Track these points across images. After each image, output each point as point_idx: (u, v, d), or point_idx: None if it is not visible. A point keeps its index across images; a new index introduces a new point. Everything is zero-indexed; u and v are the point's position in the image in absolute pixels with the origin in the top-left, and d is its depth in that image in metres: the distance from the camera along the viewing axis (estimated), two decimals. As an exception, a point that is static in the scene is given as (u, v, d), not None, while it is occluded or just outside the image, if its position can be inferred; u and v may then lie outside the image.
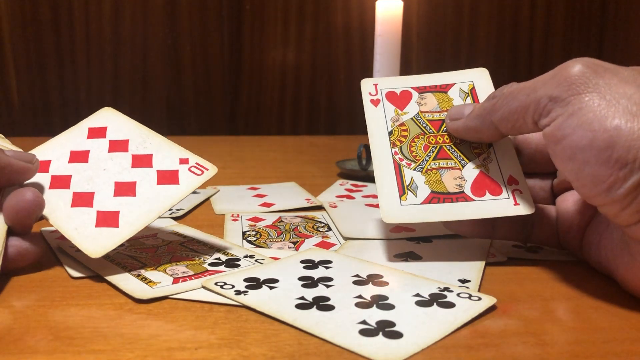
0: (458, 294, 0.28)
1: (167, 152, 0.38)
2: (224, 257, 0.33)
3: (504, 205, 0.34)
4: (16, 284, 0.30)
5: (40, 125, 0.99)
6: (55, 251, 0.35)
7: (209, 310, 0.27)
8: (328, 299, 0.27)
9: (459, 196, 0.34)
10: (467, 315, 0.26)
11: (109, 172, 0.36)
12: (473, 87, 0.39)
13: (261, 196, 0.50)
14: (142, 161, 0.37)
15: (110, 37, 1.02)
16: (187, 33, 1.03)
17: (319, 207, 0.46)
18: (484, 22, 1.09)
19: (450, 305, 0.27)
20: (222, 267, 0.32)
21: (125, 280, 0.30)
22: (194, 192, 0.51)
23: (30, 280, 0.31)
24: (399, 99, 0.40)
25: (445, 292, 0.28)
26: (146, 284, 0.29)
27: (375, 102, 0.40)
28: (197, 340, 0.24)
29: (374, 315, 0.26)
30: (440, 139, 0.37)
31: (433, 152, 0.36)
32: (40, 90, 0.98)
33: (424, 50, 1.09)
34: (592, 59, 0.28)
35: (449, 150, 0.36)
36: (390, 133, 0.38)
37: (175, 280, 0.30)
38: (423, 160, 0.36)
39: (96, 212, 0.34)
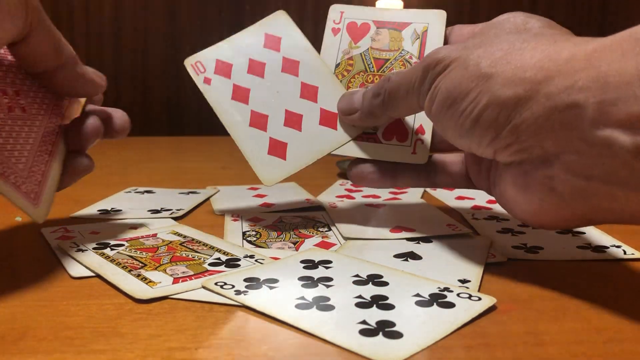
0: (458, 294, 0.28)
1: (331, 88, 0.39)
2: (224, 257, 0.33)
3: (403, 152, 0.37)
4: (16, 284, 0.30)
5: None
6: (55, 251, 0.35)
7: (209, 310, 0.27)
8: (328, 299, 0.27)
9: (370, 137, 0.38)
10: (467, 315, 0.26)
11: (281, 97, 0.39)
12: (426, 31, 0.40)
13: (261, 196, 0.50)
14: (309, 92, 0.39)
15: (110, 36, 1.02)
16: (187, 33, 1.03)
17: (319, 207, 0.46)
18: (484, 22, 1.10)
19: (450, 305, 0.27)
20: (222, 267, 0.32)
21: (125, 281, 0.30)
22: (193, 193, 0.51)
23: (31, 280, 0.31)
24: (357, 31, 0.41)
25: (445, 292, 0.28)
26: (146, 284, 0.29)
27: (335, 31, 0.41)
28: (197, 340, 0.24)
29: (374, 315, 0.26)
30: (376, 79, 0.39)
31: None
32: (40, 90, 0.98)
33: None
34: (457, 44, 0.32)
35: None
36: (337, 65, 0.40)
37: (176, 280, 0.30)
38: None
39: (269, 138, 0.38)
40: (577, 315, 0.27)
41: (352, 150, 0.38)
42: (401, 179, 0.38)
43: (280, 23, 0.41)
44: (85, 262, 0.32)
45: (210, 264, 0.32)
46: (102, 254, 0.33)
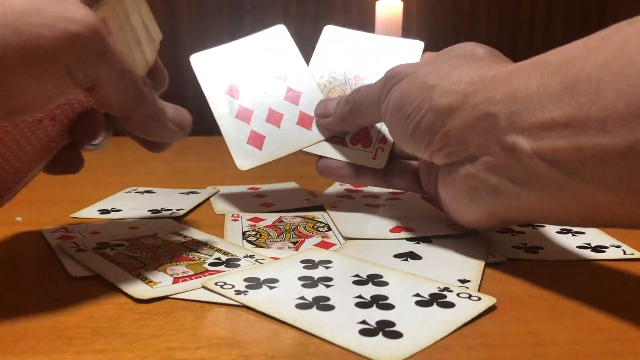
0: (458, 294, 0.28)
1: (312, 96, 0.45)
2: (224, 257, 0.33)
3: (364, 156, 0.43)
4: (16, 284, 0.30)
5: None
6: (56, 251, 0.35)
7: (209, 310, 0.27)
8: (328, 298, 0.27)
9: (339, 140, 0.44)
10: (467, 315, 0.26)
11: (268, 97, 0.45)
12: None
13: (261, 196, 0.50)
14: (292, 97, 0.45)
15: (110, 37, 1.02)
16: (187, 33, 1.03)
17: (319, 207, 0.46)
18: (484, 22, 1.10)
19: (450, 305, 0.27)
20: (222, 267, 0.32)
21: (125, 280, 0.30)
22: (194, 192, 0.51)
23: (31, 280, 0.31)
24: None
25: (445, 292, 0.28)
26: (146, 283, 0.29)
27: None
28: (197, 340, 0.24)
29: (374, 315, 0.26)
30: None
31: None
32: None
33: (424, 50, 1.09)
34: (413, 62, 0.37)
35: None
36: (321, 77, 0.47)
37: (176, 280, 0.30)
38: None
39: (250, 130, 0.43)
40: (577, 315, 0.27)
41: (322, 149, 0.44)
42: (362, 177, 0.43)
43: (279, 36, 0.48)
44: (86, 262, 0.32)
45: (211, 264, 0.32)
46: (103, 254, 0.33)
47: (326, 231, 0.40)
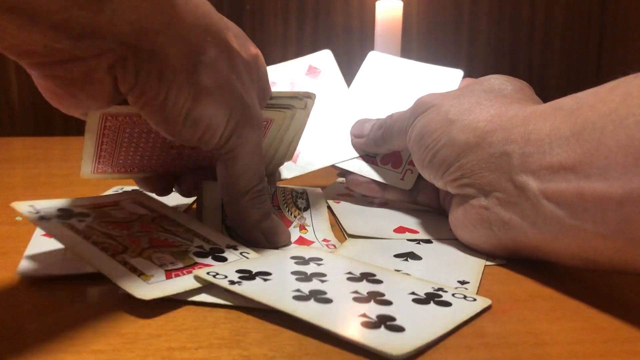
0: (453, 294, 0.28)
1: (348, 118, 0.48)
2: (206, 246, 0.33)
3: (393, 176, 0.45)
4: (16, 283, 0.30)
5: (40, 125, 0.99)
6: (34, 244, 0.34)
7: (209, 310, 0.27)
8: (325, 292, 0.27)
9: (370, 159, 0.46)
10: (466, 314, 0.26)
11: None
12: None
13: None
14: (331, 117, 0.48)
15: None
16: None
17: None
18: (484, 22, 1.09)
19: (447, 304, 0.27)
20: (209, 260, 0.31)
21: (114, 270, 0.28)
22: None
23: (30, 280, 0.31)
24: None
25: (440, 292, 0.28)
26: (138, 276, 0.28)
27: None
28: (197, 340, 0.24)
29: (373, 309, 0.26)
30: None
31: None
32: (40, 90, 0.98)
33: (424, 51, 1.09)
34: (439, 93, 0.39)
35: None
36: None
37: (168, 275, 0.29)
38: None
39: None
40: (577, 315, 0.27)
41: (353, 166, 0.46)
42: (389, 192, 0.45)
43: (324, 59, 0.52)
44: (56, 237, 0.30)
45: (196, 254, 0.32)
46: (72, 227, 0.31)
47: (304, 209, 0.41)
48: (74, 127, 0.98)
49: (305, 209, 0.41)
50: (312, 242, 0.37)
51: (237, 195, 0.34)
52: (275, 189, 0.42)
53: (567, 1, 1.12)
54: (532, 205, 0.30)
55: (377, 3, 0.67)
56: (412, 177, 0.44)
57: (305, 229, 0.39)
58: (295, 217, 0.40)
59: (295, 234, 0.38)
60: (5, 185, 0.54)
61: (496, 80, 0.37)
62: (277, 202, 0.41)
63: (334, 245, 0.37)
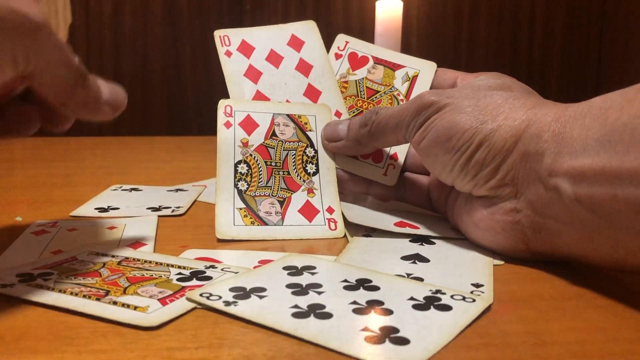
0: (452, 296, 0.28)
1: (331, 95, 0.45)
2: (186, 271, 0.31)
3: (375, 172, 0.43)
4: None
5: (40, 125, 0.99)
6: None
7: (209, 310, 0.27)
8: (323, 306, 0.27)
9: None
10: (468, 317, 0.26)
11: (287, 88, 0.44)
12: (416, 76, 0.46)
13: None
14: (312, 93, 0.45)
15: (111, 37, 1.02)
16: (187, 33, 1.03)
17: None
18: (484, 22, 1.09)
19: (447, 308, 0.27)
20: (195, 282, 0.29)
21: (116, 314, 0.26)
22: (181, 190, 0.51)
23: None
24: (356, 61, 0.47)
25: (439, 295, 0.28)
26: (134, 309, 0.26)
27: (338, 56, 0.47)
28: (197, 340, 0.24)
29: (375, 321, 0.25)
30: (364, 105, 0.46)
31: (354, 113, 0.45)
32: (40, 90, 0.98)
33: (424, 50, 1.09)
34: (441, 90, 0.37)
35: None
36: None
37: (163, 302, 0.27)
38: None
39: None
40: (577, 315, 0.27)
41: (335, 161, 0.43)
42: (374, 189, 0.43)
43: (308, 29, 0.48)
44: (30, 297, 0.27)
45: (180, 280, 0.30)
46: (40, 286, 0.28)
47: (313, 174, 0.41)
48: (74, 127, 0.98)
49: (314, 174, 0.41)
50: (318, 211, 0.38)
51: (67, 97, 0.31)
52: (287, 153, 0.41)
53: (567, 1, 1.12)
54: (567, 207, 0.30)
55: (377, 3, 0.67)
56: (395, 172, 0.43)
57: (313, 193, 0.40)
58: (304, 181, 0.41)
59: (302, 197, 0.39)
60: (5, 185, 0.55)
61: (498, 79, 0.37)
62: (287, 166, 0.41)
63: (335, 221, 0.37)
